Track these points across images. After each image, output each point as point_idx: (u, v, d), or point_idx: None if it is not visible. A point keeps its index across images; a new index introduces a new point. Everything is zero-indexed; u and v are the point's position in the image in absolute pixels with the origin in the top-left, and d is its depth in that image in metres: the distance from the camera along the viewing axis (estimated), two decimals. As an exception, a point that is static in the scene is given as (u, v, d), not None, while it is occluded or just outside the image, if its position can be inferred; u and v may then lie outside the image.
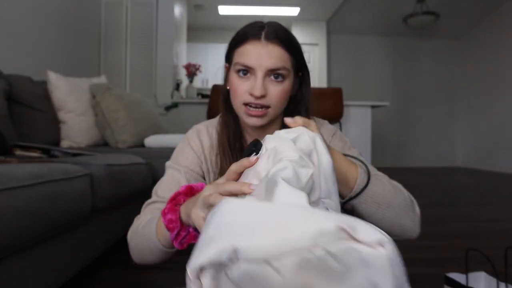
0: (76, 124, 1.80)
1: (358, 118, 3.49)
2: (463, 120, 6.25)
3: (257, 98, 0.59)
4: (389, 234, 0.39)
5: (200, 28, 5.81)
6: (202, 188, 0.52)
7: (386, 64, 6.27)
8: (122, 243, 1.54)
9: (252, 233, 0.24)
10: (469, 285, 0.86)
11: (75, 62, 2.75)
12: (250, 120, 0.61)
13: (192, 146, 0.70)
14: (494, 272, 0.79)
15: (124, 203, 1.30)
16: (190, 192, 0.51)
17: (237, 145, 0.67)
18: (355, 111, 3.49)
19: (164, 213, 0.50)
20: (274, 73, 0.59)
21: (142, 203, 0.70)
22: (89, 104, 1.89)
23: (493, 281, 0.85)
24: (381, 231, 0.25)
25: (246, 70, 0.60)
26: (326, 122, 0.76)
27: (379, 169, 0.65)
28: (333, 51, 6.13)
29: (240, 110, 0.62)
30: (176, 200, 0.51)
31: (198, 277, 0.25)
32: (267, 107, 0.60)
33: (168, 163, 0.72)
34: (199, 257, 0.25)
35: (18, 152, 1.21)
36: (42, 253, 0.79)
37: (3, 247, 0.62)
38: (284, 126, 0.67)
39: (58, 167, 0.85)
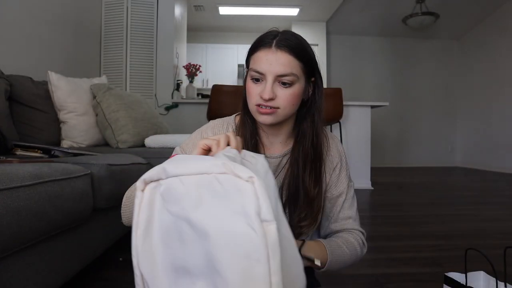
0: (76, 124, 1.81)
1: (357, 118, 3.49)
2: (462, 120, 6.26)
3: (266, 100, 0.64)
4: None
5: (200, 28, 5.82)
6: None
7: (385, 65, 6.27)
8: (122, 243, 1.55)
9: (177, 163, 0.37)
10: (468, 284, 0.87)
11: (75, 62, 2.75)
12: (261, 118, 0.67)
13: (203, 135, 0.75)
14: (493, 272, 0.79)
15: (124, 203, 1.31)
16: None
17: (253, 141, 0.73)
18: (354, 111, 3.50)
19: None
20: (282, 78, 0.64)
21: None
22: (89, 104, 1.89)
23: (492, 280, 0.85)
24: (252, 172, 0.34)
25: (258, 76, 0.65)
26: (336, 142, 0.80)
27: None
28: (332, 51, 6.13)
29: (253, 110, 0.68)
30: None
31: (143, 190, 0.38)
32: (277, 108, 0.66)
33: (176, 148, 0.77)
34: (144, 175, 0.38)
35: (19, 152, 1.21)
36: (43, 253, 0.79)
37: (3, 246, 0.62)
38: (297, 126, 0.74)
39: (59, 167, 0.85)
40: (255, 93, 0.66)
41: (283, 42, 0.64)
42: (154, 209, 0.37)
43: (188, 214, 0.34)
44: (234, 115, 0.79)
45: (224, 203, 0.34)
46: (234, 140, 0.50)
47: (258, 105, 0.66)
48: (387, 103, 3.55)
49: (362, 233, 0.76)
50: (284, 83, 0.64)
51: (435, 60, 6.33)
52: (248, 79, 0.68)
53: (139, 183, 0.38)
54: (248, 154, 0.51)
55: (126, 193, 0.68)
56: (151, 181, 0.38)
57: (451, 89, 6.35)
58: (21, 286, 0.71)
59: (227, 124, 0.77)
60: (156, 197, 0.37)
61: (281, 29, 0.68)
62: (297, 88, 0.66)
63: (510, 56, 5.10)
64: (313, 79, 0.72)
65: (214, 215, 0.34)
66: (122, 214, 0.67)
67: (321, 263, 0.65)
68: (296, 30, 5.56)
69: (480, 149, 5.74)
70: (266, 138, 0.75)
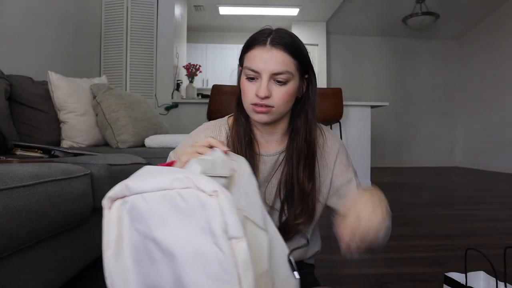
0: (76, 124, 1.81)
1: (357, 118, 3.49)
2: (462, 120, 6.26)
3: (262, 99, 0.64)
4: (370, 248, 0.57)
5: (200, 28, 5.81)
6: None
7: (385, 65, 6.27)
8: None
9: (139, 178, 0.35)
10: (468, 284, 0.87)
11: (75, 62, 2.75)
12: (256, 117, 0.67)
13: (196, 141, 0.74)
14: (493, 272, 0.79)
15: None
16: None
17: (247, 138, 0.73)
18: (354, 111, 3.50)
19: None
20: (277, 76, 0.64)
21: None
22: (89, 104, 1.89)
23: (492, 280, 0.85)
24: (217, 183, 0.32)
25: (254, 74, 0.65)
26: (331, 133, 0.80)
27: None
28: (333, 51, 6.13)
29: (248, 108, 0.68)
30: None
31: (110, 208, 0.36)
32: (272, 106, 0.66)
33: (170, 153, 0.78)
34: (109, 193, 0.36)
35: (19, 152, 1.21)
36: (43, 253, 0.79)
37: (3, 246, 0.62)
38: (291, 123, 0.73)
39: (59, 167, 0.85)
40: (251, 92, 0.66)
41: (278, 40, 0.64)
42: (122, 227, 0.35)
43: (152, 233, 0.33)
44: (227, 116, 0.79)
45: (188, 221, 0.32)
46: (216, 142, 0.50)
47: (254, 104, 0.66)
48: (387, 103, 3.55)
49: None
50: (279, 81, 0.65)
51: (435, 60, 6.33)
52: (243, 77, 0.68)
53: (105, 201, 0.36)
54: (232, 154, 0.49)
55: None
56: (117, 198, 0.36)
57: (451, 89, 6.35)
58: (21, 286, 0.71)
59: (219, 126, 0.77)
60: (124, 215, 0.35)
61: (275, 28, 0.68)
62: (291, 85, 0.66)
63: (510, 56, 5.10)
64: (306, 76, 0.71)
65: (179, 234, 0.32)
66: None
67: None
68: (296, 30, 5.58)
69: (480, 149, 5.74)
70: (261, 136, 0.75)
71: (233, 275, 0.30)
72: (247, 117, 0.72)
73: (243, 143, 0.72)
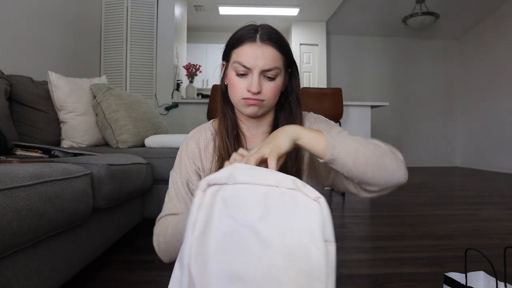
0: (76, 124, 1.81)
1: (357, 118, 3.49)
2: (462, 120, 6.26)
3: (254, 94, 0.67)
4: (378, 181, 0.60)
5: (200, 28, 5.82)
6: None
7: (385, 65, 6.27)
8: (122, 243, 1.55)
9: (244, 171, 0.39)
10: (468, 284, 0.87)
11: (75, 62, 2.75)
12: (248, 110, 0.69)
13: (187, 153, 0.77)
14: (493, 272, 0.79)
15: (124, 203, 1.31)
16: None
17: (235, 132, 0.75)
18: (354, 111, 3.50)
19: None
20: (267, 72, 0.67)
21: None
22: (89, 104, 1.89)
23: (492, 280, 0.85)
24: (318, 193, 0.36)
25: (243, 70, 0.67)
26: (321, 118, 0.80)
27: (402, 186, 0.67)
28: (333, 51, 6.13)
29: (239, 103, 0.70)
30: None
31: (204, 191, 0.39)
32: (262, 100, 0.69)
33: (171, 172, 0.79)
34: (210, 177, 0.39)
35: (19, 152, 1.21)
36: (43, 253, 0.79)
37: (3, 246, 0.62)
38: (276, 114, 0.76)
39: (59, 167, 0.85)
40: (241, 87, 0.68)
41: (267, 36, 0.66)
42: (213, 212, 0.37)
43: (252, 223, 0.35)
44: (211, 120, 0.82)
45: (291, 218, 0.35)
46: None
47: (245, 98, 0.68)
48: (387, 103, 3.55)
49: None
50: (269, 77, 0.67)
51: (435, 60, 6.33)
52: (232, 73, 0.69)
53: (203, 184, 0.38)
54: None
55: (156, 238, 0.69)
56: (214, 184, 0.39)
57: (451, 89, 6.35)
58: (21, 286, 0.71)
59: (205, 129, 0.79)
60: (217, 201, 0.37)
61: (259, 24, 0.70)
62: (279, 80, 0.69)
63: (510, 56, 5.10)
64: (289, 69, 0.74)
65: (280, 228, 0.34)
66: (162, 257, 0.69)
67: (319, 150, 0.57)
68: (296, 30, 5.59)
69: (480, 149, 5.74)
70: (247, 130, 0.77)
71: (323, 273, 0.33)
72: (233, 110, 0.76)
73: (231, 137, 0.74)
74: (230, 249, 0.35)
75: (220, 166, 0.70)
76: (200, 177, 0.76)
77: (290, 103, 0.75)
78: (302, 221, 0.35)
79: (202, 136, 0.78)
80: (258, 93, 0.67)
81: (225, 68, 0.74)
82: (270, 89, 0.68)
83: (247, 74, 0.67)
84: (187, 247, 0.36)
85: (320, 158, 0.58)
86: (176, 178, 0.76)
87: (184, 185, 0.75)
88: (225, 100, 0.76)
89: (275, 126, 0.76)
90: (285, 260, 0.33)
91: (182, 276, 0.36)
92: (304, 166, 0.74)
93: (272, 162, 0.50)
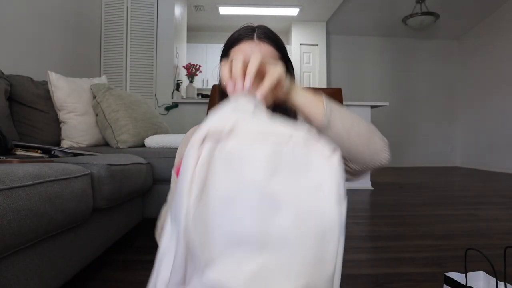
0: (76, 124, 1.81)
1: (358, 118, 3.49)
2: (462, 120, 6.26)
3: None
4: (365, 158, 0.56)
5: (200, 28, 5.82)
6: None
7: (385, 65, 6.27)
8: (122, 243, 1.55)
9: (250, 119, 0.33)
10: (468, 284, 0.87)
11: (75, 62, 2.75)
12: None
13: (186, 145, 0.74)
14: (493, 272, 0.79)
15: (124, 203, 1.31)
16: None
17: None
18: (354, 111, 3.48)
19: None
20: None
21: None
22: (89, 104, 1.89)
23: (492, 280, 0.85)
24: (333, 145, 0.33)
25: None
26: None
27: (380, 169, 0.66)
28: (332, 51, 6.13)
29: None
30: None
31: (199, 148, 0.32)
32: None
33: (172, 171, 0.79)
34: (204, 129, 0.32)
35: (19, 152, 1.21)
36: (43, 253, 0.79)
37: (3, 246, 0.62)
38: (272, 111, 0.74)
39: (59, 167, 0.85)
40: None
41: (263, 34, 0.68)
42: (211, 171, 0.32)
43: (259, 182, 0.31)
44: None
45: (304, 175, 0.31)
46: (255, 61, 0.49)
47: None
48: (387, 103, 3.55)
49: None
50: None
51: (435, 60, 6.33)
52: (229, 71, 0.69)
53: (196, 140, 0.32)
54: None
55: (158, 230, 0.68)
56: (211, 137, 0.32)
57: (451, 89, 6.35)
58: (21, 286, 0.71)
59: None
60: (215, 159, 0.32)
61: (256, 25, 0.71)
62: None
63: (509, 56, 5.10)
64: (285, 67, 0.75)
65: (292, 186, 0.31)
66: (158, 236, 0.67)
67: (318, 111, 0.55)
68: (296, 30, 5.58)
69: (480, 149, 5.74)
70: None
71: (336, 235, 0.31)
72: None
73: None
74: (233, 211, 0.31)
75: None
76: None
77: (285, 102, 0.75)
78: (316, 179, 0.31)
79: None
80: None
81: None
82: None
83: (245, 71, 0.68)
84: (183, 211, 0.31)
85: (314, 121, 0.55)
86: (175, 173, 0.77)
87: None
88: (223, 99, 0.76)
89: None
90: (297, 221, 0.30)
91: (177, 244, 0.32)
92: None
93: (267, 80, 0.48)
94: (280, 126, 0.33)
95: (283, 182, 0.31)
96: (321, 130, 0.55)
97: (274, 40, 0.69)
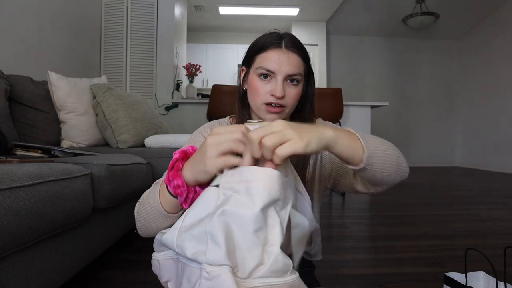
0: (76, 124, 1.81)
1: (357, 118, 3.49)
2: (462, 120, 6.26)
3: (277, 98, 0.67)
4: (394, 181, 0.60)
5: (200, 28, 5.82)
6: (194, 150, 0.51)
7: (385, 65, 6.27)
8: (122, 243, 1.55)
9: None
10: (468, 284, 0.87)
11: (75, 62, 2.75)
12: (269, 116, 0.69)
13: (203, 134, 0.75)
14: (493, 272, 0.79)
15: (124, 203, 1.31)
16: (186, 156, 0.51)
17: None
18: (354, 111, 3.50)
19: (168, 181, 0.50)
20: (291, 77, 0.67)
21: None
22: (89, 104, 1.89)
23: (492, 280, 0.85)
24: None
25: (267, 74, 0.68)
26: (327, 122, 0.79)
27: None
28: (332, 51, 6.13)
29: (260, 108, 0.70)
30: (176, 167, 0.51)
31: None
32: (284, 106, 0.68)
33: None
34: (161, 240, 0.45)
35: (19, 152, 1.21)
36: (43, 253, 0.79)
37: (3, 246, 0.62)
38: (291, 120, 0.73)
39: (59, 167, 0.85)
40: (264, 91, 0.67)
41: (291, 44, 0.67)
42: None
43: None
44: (228, 116, 0.81)
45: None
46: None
47: (267, 104, 0.68)
48: (387, 103, 3.55)
49: None
50: (292, 81, 0.68)
51: (435, 60, 6.33)
52: (254, 77, 0.69)
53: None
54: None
55: (138, 201, 0.64)
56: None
57: (451, 89, 6.35)
58: (21, 286, 0.71)
59: (222, 122, 0.79)
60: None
61: (282, 30, 0.71)
62: (300, 87, 0.70)
63: (509, 56, 5.10)
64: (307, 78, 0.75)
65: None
66: (138, 226, 0.62)
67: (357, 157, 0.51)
68: (296, 30, 5.58)
69: (480, 149, 5.74)
70: None
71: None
72: (249, 115, 0.75)
73: None
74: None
75: None
76: None
77: (304, 111, 0.75)
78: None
79: (219, 125, 0.78)
80: (282, 97, 0.67)
81: (245, 74, 0.74)
82: (292, 95, 0.68)
83: (271, 79, 0.68)
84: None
85: (352, 165, 0.53)
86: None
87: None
88: (242, 105, 0.76)
89: None
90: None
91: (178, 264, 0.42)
92: (309, 170, 0.72)
93: (283, 159, 0.40)
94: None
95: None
96: (357, 171, 0.55)
97: (301, 50, 0.69)
